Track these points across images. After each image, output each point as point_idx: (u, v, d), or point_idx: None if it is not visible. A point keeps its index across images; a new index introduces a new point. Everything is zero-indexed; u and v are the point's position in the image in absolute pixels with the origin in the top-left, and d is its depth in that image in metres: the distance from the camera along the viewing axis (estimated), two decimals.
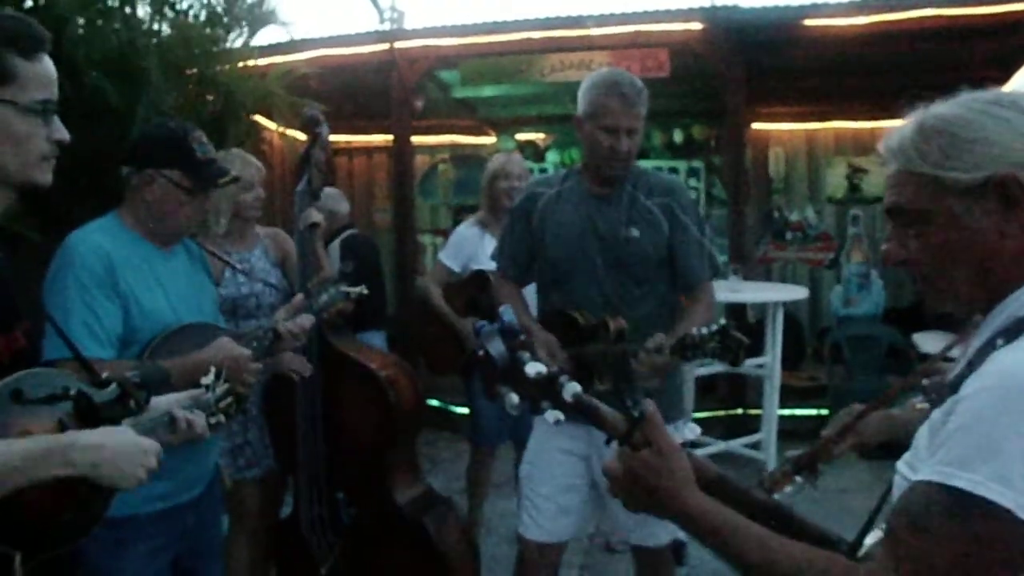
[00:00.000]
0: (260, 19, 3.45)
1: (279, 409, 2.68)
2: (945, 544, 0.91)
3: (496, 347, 1.29)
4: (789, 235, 7.29)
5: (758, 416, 4.77)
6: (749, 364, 4.18)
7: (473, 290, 3.60)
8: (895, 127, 1.11)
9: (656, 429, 1.11)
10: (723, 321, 2.19)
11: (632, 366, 2.18)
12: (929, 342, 4.91)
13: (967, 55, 5.37)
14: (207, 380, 1.63)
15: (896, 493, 1.06)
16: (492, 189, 3.61)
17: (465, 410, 3.90)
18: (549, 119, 7.24)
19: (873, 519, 1.24)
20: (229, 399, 1.66)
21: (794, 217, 7.27)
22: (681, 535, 3.53)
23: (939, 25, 4.86)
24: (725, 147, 6.25)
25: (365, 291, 2.44)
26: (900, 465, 1.08)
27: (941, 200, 1.03)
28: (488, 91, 6.46)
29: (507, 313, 1.29)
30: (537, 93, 6.47)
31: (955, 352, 2.27)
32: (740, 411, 5.27)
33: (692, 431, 1.15)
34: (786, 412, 4.81)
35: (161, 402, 1.50)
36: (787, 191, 7.28)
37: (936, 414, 1.00)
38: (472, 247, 3.62)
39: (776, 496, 2.12)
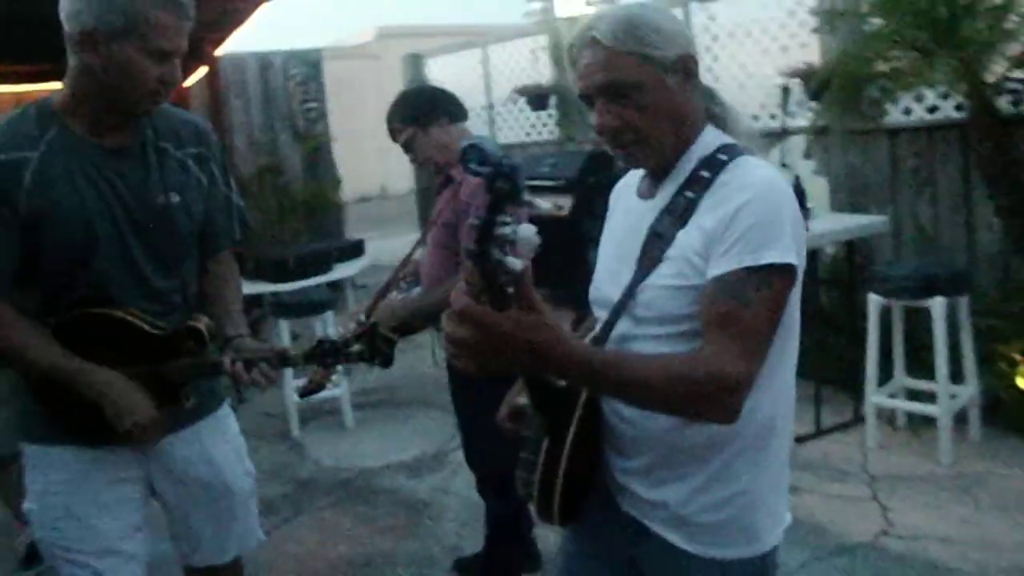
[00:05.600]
0: None
1: None
2: (764, 308, 1.26)
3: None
4: None
5: None
6: None
7: None
8: (598, 18, 1.37)
9: (528, 284, 1.14)
10: (363, 318, 1.94)
11: (232, 373, 1.84)
12: None
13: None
14: None
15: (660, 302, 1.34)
16: None
17: None
18: None
19: None
20: None
21: None
22: None
23: None
24: None
25: None
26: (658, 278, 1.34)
27: (651, 73, 1.34)
28: None
29: (487, 142, 1.07)
30: None
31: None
32: None
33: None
34: None
35: None
36: None
37: (709, 225, 1.29)
38: None
39: (327, 384, 2.27)
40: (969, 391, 3.74)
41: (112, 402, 1.75)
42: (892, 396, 3.92)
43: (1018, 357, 3.71)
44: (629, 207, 1.51)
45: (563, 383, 1.41)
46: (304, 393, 2.30)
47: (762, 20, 5.26)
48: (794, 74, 4.86)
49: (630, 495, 1.48)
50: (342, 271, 5.43)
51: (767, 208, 1.28)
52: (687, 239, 1.33)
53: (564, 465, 1.42)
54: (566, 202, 5.53)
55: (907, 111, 4.50)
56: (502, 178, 1.04)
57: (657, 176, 1.45)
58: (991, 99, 3.91)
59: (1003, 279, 4.12)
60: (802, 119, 4.81)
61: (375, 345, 1.88)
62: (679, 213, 1.36)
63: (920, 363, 3.91)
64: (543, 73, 6.97)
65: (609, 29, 1.35)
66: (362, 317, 2.49)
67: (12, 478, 3.30)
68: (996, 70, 3.84)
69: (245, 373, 1.82)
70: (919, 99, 4.44)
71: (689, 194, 1.36)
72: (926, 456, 3.67)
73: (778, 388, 1.39)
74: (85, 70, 1.71)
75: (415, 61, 8.47)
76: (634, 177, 1.57)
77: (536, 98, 6.88)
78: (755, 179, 1.32)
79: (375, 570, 3.21)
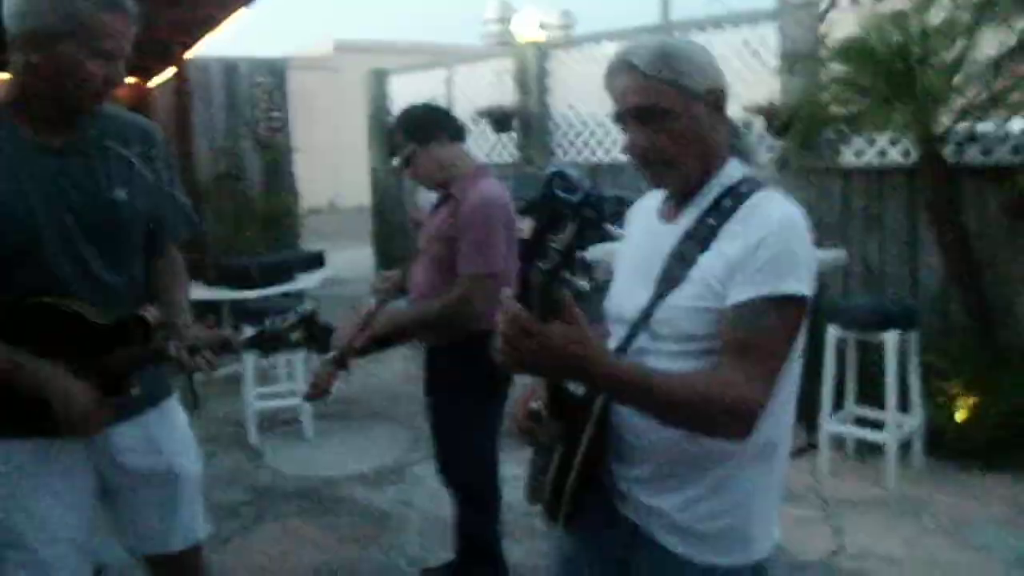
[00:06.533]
0: None
1: None
2: (781, 335, 1.36)
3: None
4: None
5: None
6: None
7: None
8: (636, 45, 1.47)
9: (567, 301, 1.23)
10: (305, 307, 2.04)
11: (177, 358, 1.90)
12: None
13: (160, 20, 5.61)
14: None
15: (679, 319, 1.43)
16: None
17: None
18: None
19: None
20: None
21: None
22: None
23: None
24: None
25: None
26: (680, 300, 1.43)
27: (682, 101, 1.44)
28: None
29: (573, 170, 1.17)
30: None
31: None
32: None
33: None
34: None
35: None
36: None
37: (731, 252, 1.38)
38: None
39: (331, 389, 2.38)
40: (914, 421, 3.94)
41: (54, 395, 1.77)
42: (843, 424, 4.11)
43: (956, 392, 3.93)
44: (648, 228, 1.59)
45: (580, 393, 1.51)
46: (310, 396, 2.35)
47: (726, 56, 5.46)
48: (757, 111, 5.08)
49: (631, 501, 1.56)
50: (303, 281, 5.44)
51: (787, 241, 1.37)
52: (708, 263, 1.42)
53: (577, 469, 1.50)
54: (526, 224, 5.66)
55: (859, 153, 4.74)
56: (589, 206, 1.14)
57: (680, 200, 1.53)
58: (939, 148, 4.16)
59: (943, 319, 4.35)
60: (762, 154, 5.01)
61: (313, 333, 1.98)
62: (701, 238, 1.44)
63: (868, 393, 4.11)
64: (506, 96, 7.09)
65: (646, 57, 1.44)
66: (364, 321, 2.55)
67: None
68: (943, 121, 4.09)
69: (189, 359, 1.89)
70: (871, 142, 4.68)
71: (711, 220, 1.45)
72: (874, 481, 3.86)
73: (780, 409, 1.48)
74: (30, 70, 1.76)
75: (378, 77, 8.52)
76: (651, 200, 1.66)
77: (498, 120, 6.99)
78: (776, 213, 1.41)
79: None
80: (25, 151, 1.80)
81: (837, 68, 4.39)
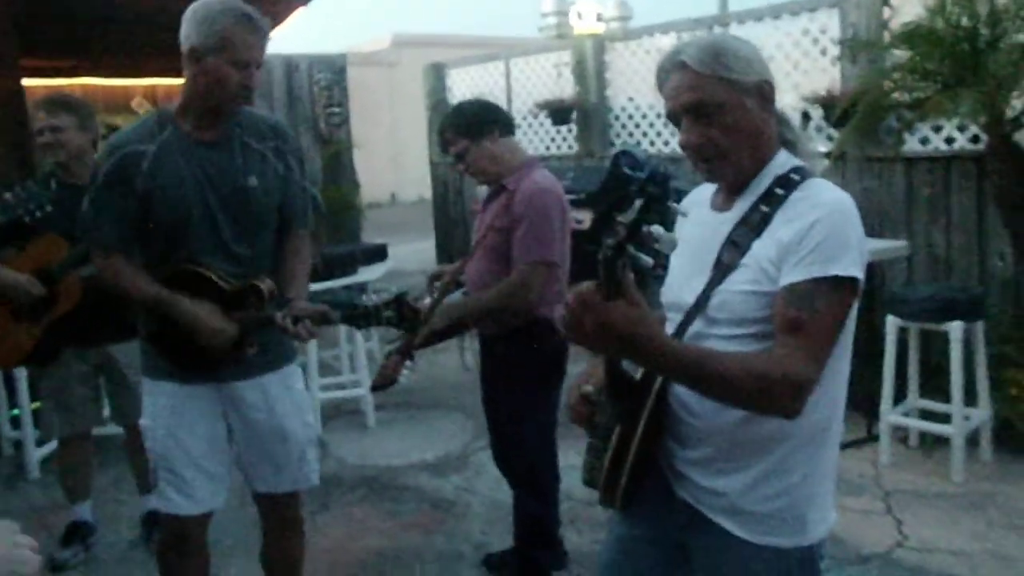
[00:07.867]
0: None
1: None
2: (831, 315, 1.39)
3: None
4: None
5: None
6: None
7: None
8: (686, 44, 1.51)
9: (629, 282, 1.27)
10: (395, 289, 2.23)
11: (281, 325, 2.18)
12: None
13: None
14: None
15: (734, 305, 1.47)
16: None
17: None
18: None
19: None
20: None
21: None
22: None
23: None
24: None
25: None
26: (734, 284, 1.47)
27: (733, 96, 1.48)
28: None
29: (638, 150, 1.22)
30: None
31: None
32: None
33: None
34: None
35: None
36: None
37: (784, 237, 1.42)
38: None
39: (398, 378, 2.52)
40: (982, 414, 3.87)
41: (200, 320, 2.19)
42: (906, 415, 4.04)
43: None
44: (702, 219, 1.63)
45: (638, 375, 1.54)
46: (376, 385, 2.45)
47: (784, 46, 5.39)
48: (815, 100, 5.01)
49: (688, 483, 1.60)
50: (366, 274, 5.54)
51: (837, 225, 1.41)
52: (762, 248, 1.46)
53: (634, 451, 1.54)
54: (585, 215, 5.68)
55: (924, 141, 4.63)
56: (654, 183, 1.17)
57: (732, 191, 1.57)
58: (1010, 133, 4.05)
59: (1015, 307, 4.24)
60: (820, 144, 4.94)
61: (403, 313, 2.16)
62: (755, 224, 1.49)
63: (932, 385, 4.03)
64: (564, 88, 7.11)
65: (696, 54, 1.48)
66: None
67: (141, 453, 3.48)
68: (1016, 105, 3.97)
69: (291, 327, 2.18)
70: (937, 130, 4.57)
71: (764, 208, 1.49)
72: (938, 474, 3.80)
73: (834, 391, 1.52)
74: (191, 80, 2.18)
75: (437, 70, 8.60)
76: (703, 192, 1.70)
77: (557, 112, 7.01)
78: (827, 199, 1.45)
79: (403, 564, 3.31)
80: (184, 145, 2.22)
81: (901, 54, 4.30)
